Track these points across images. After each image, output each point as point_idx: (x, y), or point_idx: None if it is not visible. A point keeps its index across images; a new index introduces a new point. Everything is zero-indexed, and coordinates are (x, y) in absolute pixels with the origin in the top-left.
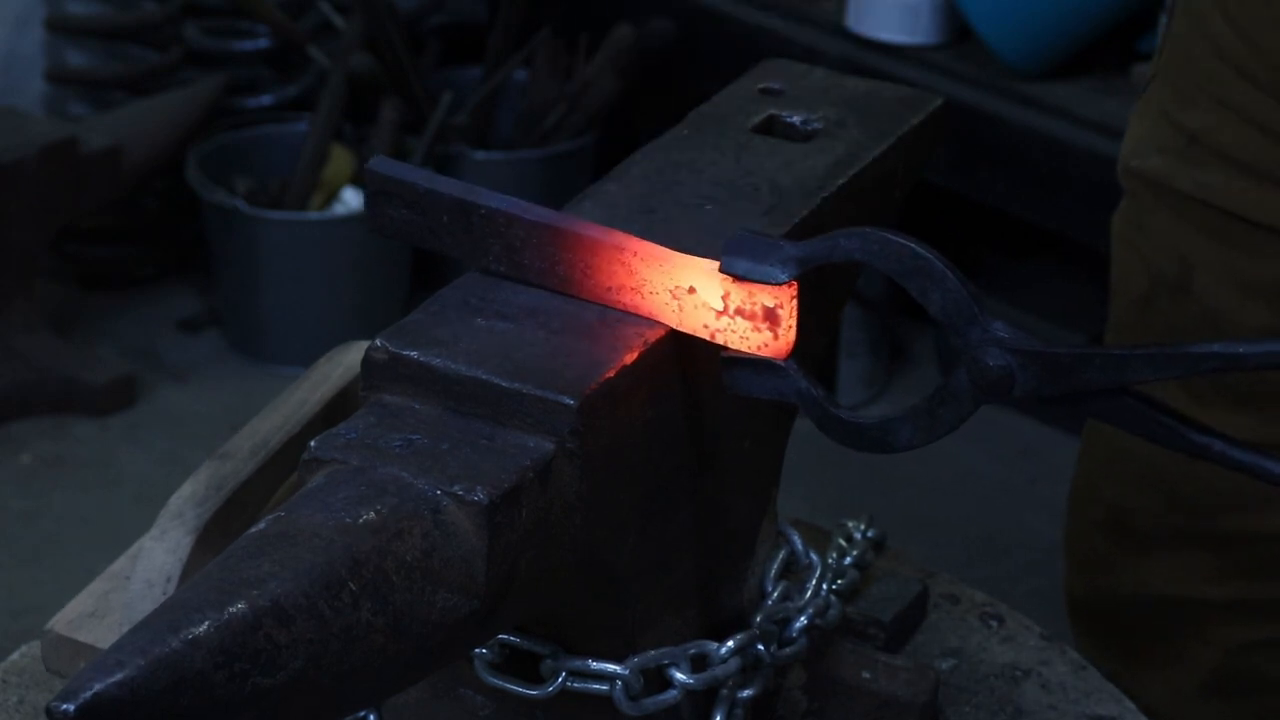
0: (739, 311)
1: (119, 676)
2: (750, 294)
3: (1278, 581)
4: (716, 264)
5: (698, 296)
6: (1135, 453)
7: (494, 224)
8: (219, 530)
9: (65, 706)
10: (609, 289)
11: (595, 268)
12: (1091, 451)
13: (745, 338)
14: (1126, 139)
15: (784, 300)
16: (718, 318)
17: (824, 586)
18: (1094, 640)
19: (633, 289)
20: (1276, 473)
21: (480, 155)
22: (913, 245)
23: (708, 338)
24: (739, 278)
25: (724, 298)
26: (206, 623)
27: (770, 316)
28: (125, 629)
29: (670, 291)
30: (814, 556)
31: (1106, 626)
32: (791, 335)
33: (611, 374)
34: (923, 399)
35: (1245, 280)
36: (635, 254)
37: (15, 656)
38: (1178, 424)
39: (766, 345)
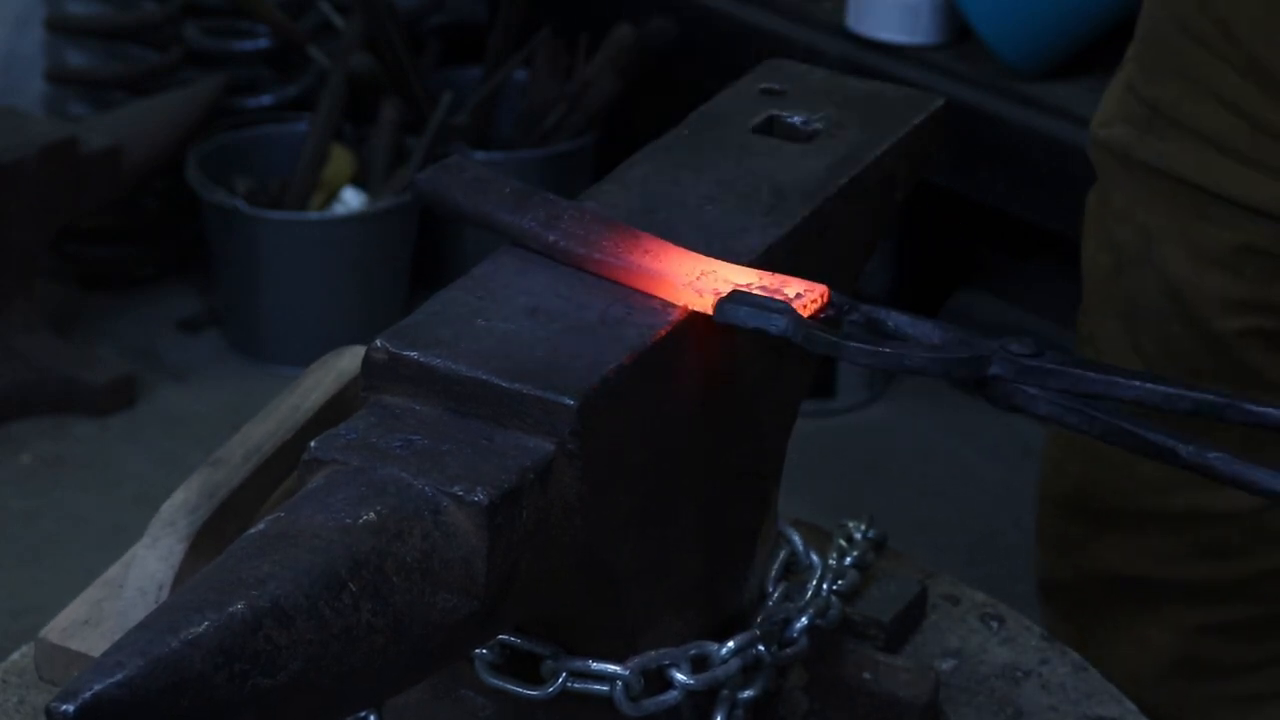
0: (762, 290)
1: (119, 677)
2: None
3: (1232, 563)
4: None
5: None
6: None
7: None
8: (212, 537)
9: (65, 707)
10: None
11: (625, 249)
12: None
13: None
14: (1097, 112)
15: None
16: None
17: (825, 587)
18: (1058, 620)
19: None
20: (1183, 459)
21: (480, 155)
22: None
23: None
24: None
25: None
26: (206, 623)
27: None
28: (118, 637)
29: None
30: (815, 557)
31: (1070, 606)
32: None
33: (612, 374)
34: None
35: (1203, 249)
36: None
37: (15, 657)
38: (1136, 427)
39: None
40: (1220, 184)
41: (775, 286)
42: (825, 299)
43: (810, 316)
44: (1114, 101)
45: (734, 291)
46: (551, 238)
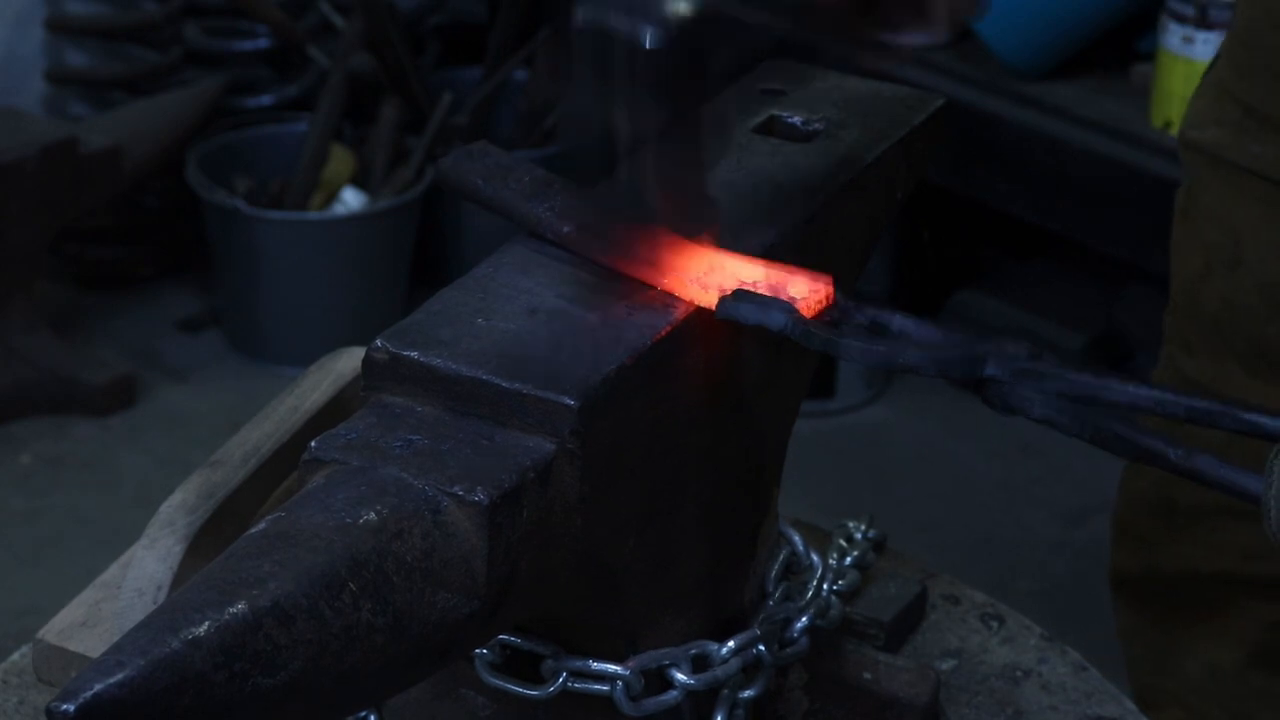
0: (768, 287)
1: (119, 677)
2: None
3: None
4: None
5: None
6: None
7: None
8: (210, 538)
9: (65, 707)
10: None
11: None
12: None
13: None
14: (1187, 113)
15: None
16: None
17: (825, 587)
18: (1137, 618)
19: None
20: (1171, 460)
21: None
22: None
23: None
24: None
25: (753, 284)
26: (207, 623)
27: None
28: (116, 638)
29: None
30: (815, 557)
31: (1147, 602)
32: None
33: (613, 374)
34: (940, 342)
35: None
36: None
37: (15, 657)
38: (1130, 431)
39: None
40: None
41: (781, 284)
42: (830, 299)
43: (814, 316)
44: (1206, 103)
45: (737, 289)
46: (566, 228)
